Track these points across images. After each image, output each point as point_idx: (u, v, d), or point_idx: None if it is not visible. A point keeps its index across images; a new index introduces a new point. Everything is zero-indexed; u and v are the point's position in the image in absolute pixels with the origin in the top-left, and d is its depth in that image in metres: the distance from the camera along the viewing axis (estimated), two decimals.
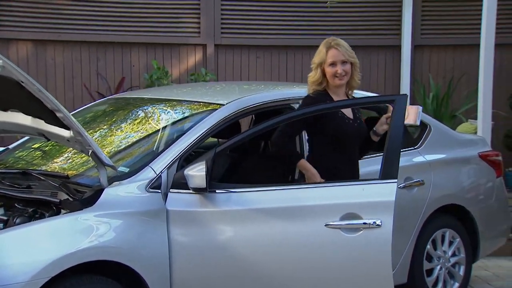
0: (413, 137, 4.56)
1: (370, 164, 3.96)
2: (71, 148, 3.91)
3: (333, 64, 3.46)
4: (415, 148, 4.38)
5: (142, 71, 7.85)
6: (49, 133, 3.40)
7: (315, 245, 3.29)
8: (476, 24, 8.05)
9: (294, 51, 8.24)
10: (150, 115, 4.18)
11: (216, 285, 3.31)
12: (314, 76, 3.54)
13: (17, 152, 4.32)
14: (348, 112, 3.59)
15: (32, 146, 4.34)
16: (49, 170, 3.76)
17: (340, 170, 3.49)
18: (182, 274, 3.22)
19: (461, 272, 4.43)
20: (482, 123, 6.59)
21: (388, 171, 3.30)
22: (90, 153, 3.16)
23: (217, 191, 3.26)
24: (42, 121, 3.33)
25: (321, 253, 3.31)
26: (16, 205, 3.29)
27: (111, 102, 4.58)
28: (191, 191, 3.23)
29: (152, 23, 7.91)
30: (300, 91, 4.13)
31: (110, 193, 3.14)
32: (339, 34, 8.09)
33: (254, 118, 4.55)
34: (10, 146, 4.42)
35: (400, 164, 3.91)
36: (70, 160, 3.98)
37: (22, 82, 2.94)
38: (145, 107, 4.30)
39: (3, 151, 4.34)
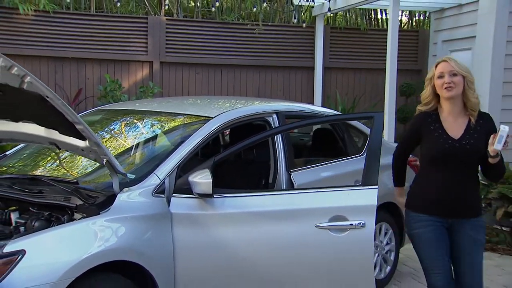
0: (358, 145, 4.60)
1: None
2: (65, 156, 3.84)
3: (441, 76, 3.07)
4: (360, 155, 4.35)
5: (96, 84, 7.87)
6: (63, 142, 3.27)
7: (306, 244, 3.27)
8: (371, 52, 8.97)
9: (227, 69, 8.53)
10: (146, 126, 4.08)
11: (215, 280, 3.25)
12: (424, 93, 3.17)
13: (14, 159, 4.09)
14: (454, 130, 3.09)
15: (28, 153, 4.14)
16: (58, 176, 3.63)
17: (440, 192, 3.09)
18: (185, 270, 3.16)
19: (392, 257, 4.60)
20: (387, 134, 7.18)
21: (370, 179, 3.29)
22: (105, 161, 3.07)
23: (215, 196, 3.17)
24: (57, 132, 3.20)
25: (311, 251, 3.28)
26: (31, 209, 3.14)
27: (102, 114, 4.38)
28: (192, 196, 3.17)
29: (106, 41, 7.95)
30: (270, 106, 4.15)
31: (122, 198, 3.06)
32: (264, 56, 9.02)
33: (229, 131, 4.45)
34: (8, 153, 4.22)
35: (350, 169, 4.10)
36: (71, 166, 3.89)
37: (47, 97, 2.84)
38: (139, 119, 4.17)
39: (1, 157, 4.13)
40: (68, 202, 3.08)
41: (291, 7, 9.16)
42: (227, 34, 8.55)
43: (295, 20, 8.97)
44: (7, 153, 4.21)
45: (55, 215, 3.05)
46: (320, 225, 3.24)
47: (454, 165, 3.06)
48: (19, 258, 2.61)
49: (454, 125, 3.12)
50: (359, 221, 3.22)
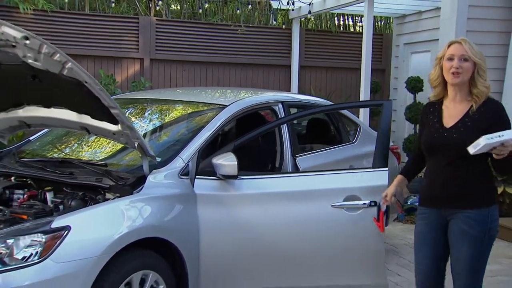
0: (351, 134, 4.65)
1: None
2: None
3: (451, 58, 2.63)
4: (352, 143, 4.51)
5: None
6: (94, 127, 3.19)
7: (323, 222, 3.27)
8: (341, 53, 9.14)
9: (212, 66, 8.52)
10: (166, 113, 4.02)
11: (236, 255, 3.23)
12: (432, 74, 2.76)
13: (39, 143, 4.03)
14: (450, 118, 2.71)
15: (51, 138, 4.07)
16: (86, 159, 3.58)
17: (429, 182, 2.80)
18: (208, 246, 3.15)
19: None
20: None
21: (380, 162, 3.29)
22: (136, 145, 3.02)
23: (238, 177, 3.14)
24: (88, 117, 3.14)
25: (328, 229, 3.28)
26: (65, 189, 3.11)
27: (119, 102, 4.04)
28: (214, 178, 3.15)
29: (100, 39, 7.85)
30: (276, 96, 4.15)
31: (151, 179, 3.05)
32: (246, 54, 9.03)
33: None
34: (31, 138, 4.15)
35: (344, 155, 4.14)
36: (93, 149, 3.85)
37: (86, 82, 2.77)
38: (159, 106, 4.12)
39: (25, 142, 4.07)
40: (100, 182, 3.05)
41: (268, 12, 9.23)
42: (212, 34, 8.54)
43: (274, 22, 9.04)
44: (30, 138, 4.13)
45: (88, 195, 3.03)
46: (336, 204, 3.25)
47: (443, 155, 2.68)
48: (65, 233, 2.61)
49: (453, 112, 2.72)
50: (371, 200, 3.21)
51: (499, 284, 4.64)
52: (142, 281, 2.94)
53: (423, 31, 8.55)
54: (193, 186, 3.17)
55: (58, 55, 2.72)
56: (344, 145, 4.47)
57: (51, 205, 2.98)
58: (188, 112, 3.98)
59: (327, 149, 4.32)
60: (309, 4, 7.58)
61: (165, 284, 3.04)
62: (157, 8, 8.51)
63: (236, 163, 3.07)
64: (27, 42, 2.72)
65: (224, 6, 9.07)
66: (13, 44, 2.77)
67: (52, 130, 4.06)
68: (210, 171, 3.17)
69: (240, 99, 3.83)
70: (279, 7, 8.63)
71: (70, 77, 2.79)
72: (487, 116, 2.64)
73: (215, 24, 8.65)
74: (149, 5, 8.55)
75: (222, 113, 3.57)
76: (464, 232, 2.66)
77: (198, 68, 8.58)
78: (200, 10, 8.37)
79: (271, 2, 8.85)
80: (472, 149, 2.43)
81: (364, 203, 3.22)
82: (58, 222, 2.65)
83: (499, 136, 2.36)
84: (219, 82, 8.71)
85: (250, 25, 8.90)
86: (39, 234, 2.58)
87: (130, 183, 3.02)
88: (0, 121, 3.55)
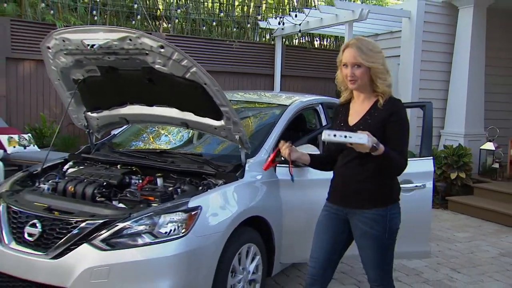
0: None
1: None
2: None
3: (345, 65, 2.27)
4: None
5: None
6: (195, 122, 3.08)
7: None
8: (316, 65, 9.34)
9: (209, 74, 8.72)
10: (241, 111, 3.82)
11: (307, 230, 2.99)
12: (338, 76, 2.37)
13: (121, 137, 3.86)
14: (355, 116, 2.33)
15: (133, 132, 3.90)
16: (183, 151, 3.45)
17: (334, 180, 2.45)
18: (288, 222, 3.16)
19: None
20: None
21: (426, 152, 3.34)
22: (237, 138, 2.94)
23: None
24: (191, 114, 3.04)
25: None
26: (172, 175, 3.01)
27: None
28: (291, 165, 2.76)
29: None
30: (317, 98, 4.05)
31: (247, 168, 3.02)
32: (238, 64, 9.10)
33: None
34: (115, 133, 4.00)
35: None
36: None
37: (205, 84, 2.70)
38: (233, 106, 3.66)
39: (111, 137, 3.91)
40: (211, 170, 2.98)
41: (259, 29, 9.28)
42: (209, 47, 8.48)
43: (264, 39, 9.12)
44: (115, 133, 4.01)
45: (194, 180, 2.96)
46: None
47: (346, 153, 2.32)
48: (199, 212, 2.60)
49: (357, 111, 2.34)
50: (421, 183, 3.26)
51: (477, 247, 4.98)
52: (246, 253, 2.98)
53: (391, 48, 8.67)
54: (275, 172, 3.18)
55: (186, 60, 2.70)
56: None
57: (171, 189, 2.90)
58: (259, 111, 3.94)
59: None
60: (299, 24, 7.71)
61: (260, 255, 3.08)
62: (166, 24, 8.35)
63: (319, 152, 3.02)
64: (162, 50, 2.67)
65: (218, 26, 9.02)
66: (147, 52, 2.70)
67: (132, 126, 3.91)
68: (285, 160, 3.05)
69: (296, 100, 3.83)
70: (266, 26, 8.68)
71: (190, 80, 2.73)
72: (385, 114, 2.21)
73: (213, 39, 8.60)
74: (158, 23, 8.37)
75: (286, 112, 3.55)
76: (364, 232, 2.29)
77: None
78: (204, 27, 8.25)
79: (259, 22, 8.91)
80: (323, 135, 2.07)
81: (416, 185, 3.25)
82: (193, 202, 2.63)
83: (345, 137, 2.03)
84: None
85: (242, 40, 8.92)
86: (180, 213, 2.55)
87: (229, 170, 2.99)
88: (102, 118, 3.46)
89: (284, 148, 2.40)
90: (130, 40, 2.65)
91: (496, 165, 6.94)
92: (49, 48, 3.01)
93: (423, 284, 3.85)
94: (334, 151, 2.41)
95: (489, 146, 7.01)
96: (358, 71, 2.22)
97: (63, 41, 2.89)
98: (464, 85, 7.38)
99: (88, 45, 2.80)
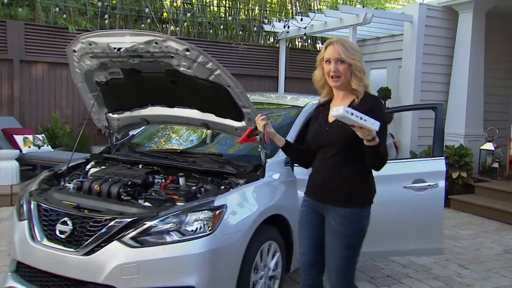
0: None
1: None
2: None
3: (328, 61, 2.25)
4: None
5: None
6: (216, 123, 3.06)
7: (397, 201, 3.28)
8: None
9: None
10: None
11: None
12: (316, 74, 2.35)
13: (140, 138, 3.84)
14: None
15: (151, 133, 3.86)
16: (201, 151, 3.41)
17: (312, 175, 2.42)
18: None
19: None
20: None
21: (438, 152, 3.37)
22: (258, 138, 2.72)
23: None
24: (213, 115, 3.02)
25: (401, 205, 3.30)
26: (194, 175, 2.99)
27: None
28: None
29: None
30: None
31: (267, 168, 3.00)
32: (244, 67, 9.14)
33: None
34: (134, 134, 3.96)
35: None
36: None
37: (229, 86, 2.67)
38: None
39: (130, 137, 3.88)
40: (226, 169, 2.96)
41: (259, 34, 9.26)
42: (216, 50, 8.48)
43: (269, 41, 9.12)
44: (134, 134, 3.98)
45: (215, 180, 2.94)
46: (407, 186, 3.28)
47: (326, 150, 2.29)
48: (224, 210, 2.59)
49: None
50: (434, 182, 3.28)
51: (481, 244, 5.00)
52: (267, 250, 2.97)
53: (379, 52, 8.92)
54: (293, 172, 3.17)
55: (210, 63, 2.69)
56: None
57: (194, 188, 2.88)
58: (276, 112, 3.94)
59: None
60: (305, 28, 7.74)
61: (280, 252, 3.07)
62: (172, 28, 8.37)
63: None
64: (187, 53, 2.66)
65: (224, 29, 9.02)
66: (172, 55, 2.70)
67: (150, 127, 3.88)
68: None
69: (309, 102, 3.83)
70: (271, 29, 8.68)
71: (213, 82, 2.71)
72: (364, 110, 2.06)
73: (219, 42, 8.61)
74: (165, 26, 8.37)
75: (302, 113, 3.57)
76: (335, 229, 2.27)
77: None
78: (211, 30, 8.25)
79: (264, 25, 8.91)
80: (334, 112, 1.94)
81: (429, 184, 3.27)
82: (218, 201, 2.62)
83: (361, 118, 1.93)
84: None
85: (247, 43, 8.93)
86: (206, 211, 2.55)
87: (249, 170, 2.97)
88: (123, 119, 3.45)
89: (260, 120, 2.40)
90: (156, 43, 2.65)
91: (496, 165, 6.97)
92: (75, 51, 3.00)
93: (433, 280, 3.87)
94: (313, 146, 2.38)
95: (489, 146, 7.04)
96: (342, 67, 2.21)
97: (90, 44, 2.88)
98: (464, 87, 7.41)
99: (115, 48, 2.78)
